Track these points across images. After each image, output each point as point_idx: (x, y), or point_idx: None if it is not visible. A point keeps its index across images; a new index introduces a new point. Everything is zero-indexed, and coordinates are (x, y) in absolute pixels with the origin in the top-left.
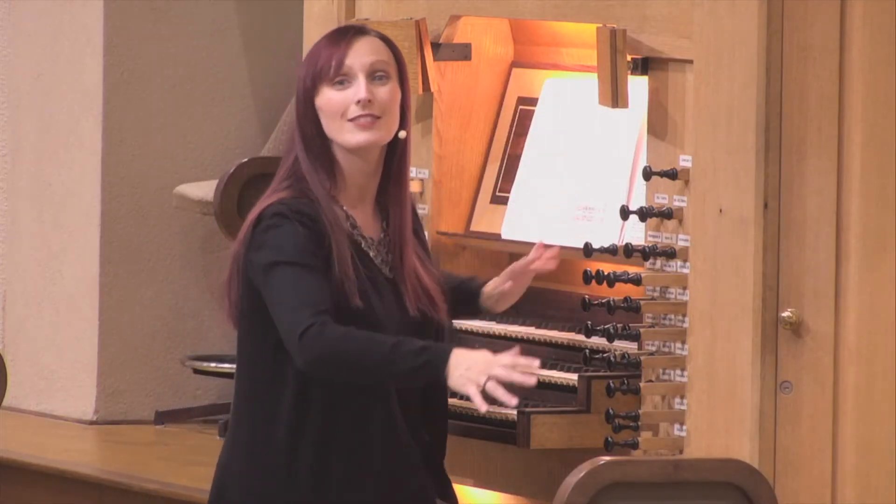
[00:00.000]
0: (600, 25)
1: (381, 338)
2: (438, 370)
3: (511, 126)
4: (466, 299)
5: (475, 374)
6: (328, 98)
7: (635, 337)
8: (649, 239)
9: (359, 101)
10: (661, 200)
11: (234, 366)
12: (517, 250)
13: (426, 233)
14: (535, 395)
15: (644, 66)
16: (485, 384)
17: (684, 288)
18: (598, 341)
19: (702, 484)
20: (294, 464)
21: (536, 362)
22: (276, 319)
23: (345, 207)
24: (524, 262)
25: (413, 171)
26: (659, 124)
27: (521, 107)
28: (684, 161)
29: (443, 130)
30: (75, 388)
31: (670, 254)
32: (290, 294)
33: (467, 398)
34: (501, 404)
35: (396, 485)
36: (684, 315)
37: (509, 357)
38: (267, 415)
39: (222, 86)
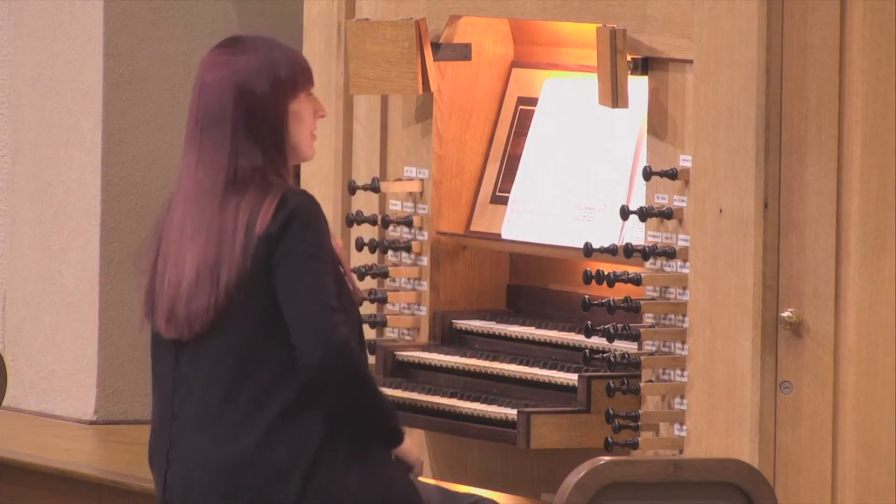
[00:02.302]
0: (600, 25)
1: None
2: (401, 439)
3: (511, 126)
4: None
5: (417, 450)
6: (308, 107)
7: (635, 337)
8: (649, 239)
9: (322, 117)
10: (661, 200)
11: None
12: (517, 250)
13: (426, 233)
14: (535, 395)
15: (644, 66)
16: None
17: (684, 288)
18: (598, 341)
19: (702, 484)
20: (333, 444)
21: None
22: (307, 308)
23: None
24: None
25: (413, 171)
26: (659, 124)
27: (521, 107)
28: (684, 161)
29: (443, 130)
30: (75, 388)
31: (670, 254)
32: (330, 293)
33: (467, 399)
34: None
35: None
36: (684, 315)
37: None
38: (295, 406)
39: None
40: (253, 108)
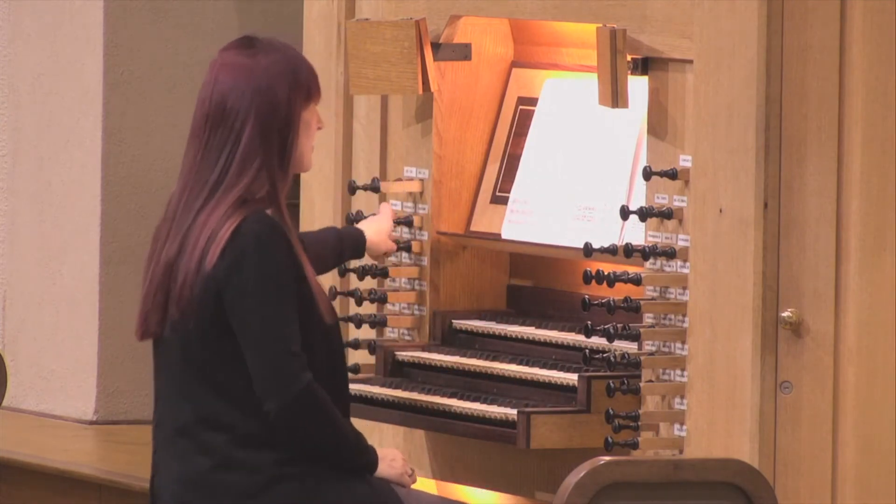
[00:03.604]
0: (600, 25)
1: (346, 420)
2: (374, 467)
3: (511, 126)
4: (354, 246)
5: (399, 467)
6: (315, 118)
7: (635, 337)
8: (649, 239)
9: (320, 129)
10: (661, 200)
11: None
12: (517, 250)
13: (426, 233)
14: (535, 395)
15: (644, 66)
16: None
17: (684, 288)
18: (598, 341)
19: (702, 484)
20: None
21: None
22: (263, 355)
23: None
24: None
25: (413, 171)
26: (659, 124)
27: (521, 107)
28: (684, 161)
29: (443, 130)
30: (75, 388)
31: (670, 254)
32: (287, 336)
33: (467, 399)
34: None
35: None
36: (684, 315)
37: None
38: (253, 431)
39: None
40: (269, 112)
